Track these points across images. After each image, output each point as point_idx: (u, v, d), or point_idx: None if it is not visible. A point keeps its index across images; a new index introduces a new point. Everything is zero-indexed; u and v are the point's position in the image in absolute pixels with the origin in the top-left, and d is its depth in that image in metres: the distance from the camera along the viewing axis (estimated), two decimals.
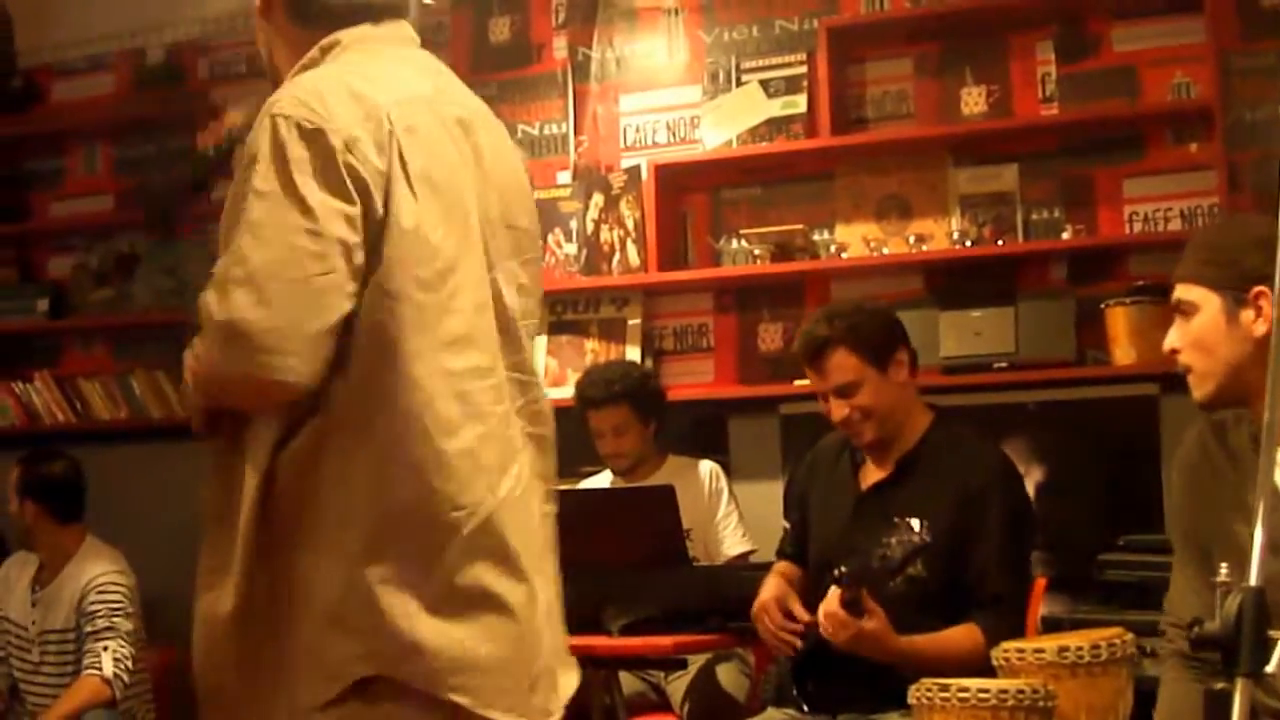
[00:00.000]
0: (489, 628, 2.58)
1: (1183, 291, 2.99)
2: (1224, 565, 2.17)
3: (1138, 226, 5.79)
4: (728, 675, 5.11)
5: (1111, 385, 5.64)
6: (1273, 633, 2.03)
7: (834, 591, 3.82)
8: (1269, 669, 2.02)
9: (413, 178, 2.58)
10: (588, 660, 4.06)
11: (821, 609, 3.87)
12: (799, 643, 4.09)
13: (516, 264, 2.81)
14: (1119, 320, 5.56)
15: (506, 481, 2.64)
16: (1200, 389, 2.99)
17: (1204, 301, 2.96)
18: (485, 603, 2.58)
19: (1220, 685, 2.00)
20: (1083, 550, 5.42)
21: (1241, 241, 2.92)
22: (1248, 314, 2.90)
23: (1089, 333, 5.69)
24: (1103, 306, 5.61)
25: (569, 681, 2.78)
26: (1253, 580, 2.05)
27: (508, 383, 2.70)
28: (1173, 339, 3.00)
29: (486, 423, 2.61)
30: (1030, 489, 5.60)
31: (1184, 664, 3.08)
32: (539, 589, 2.68)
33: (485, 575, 2.58)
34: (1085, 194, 5.87)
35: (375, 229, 2.53)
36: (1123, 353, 5.54)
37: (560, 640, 2.78)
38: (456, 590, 2.56)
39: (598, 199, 6.35)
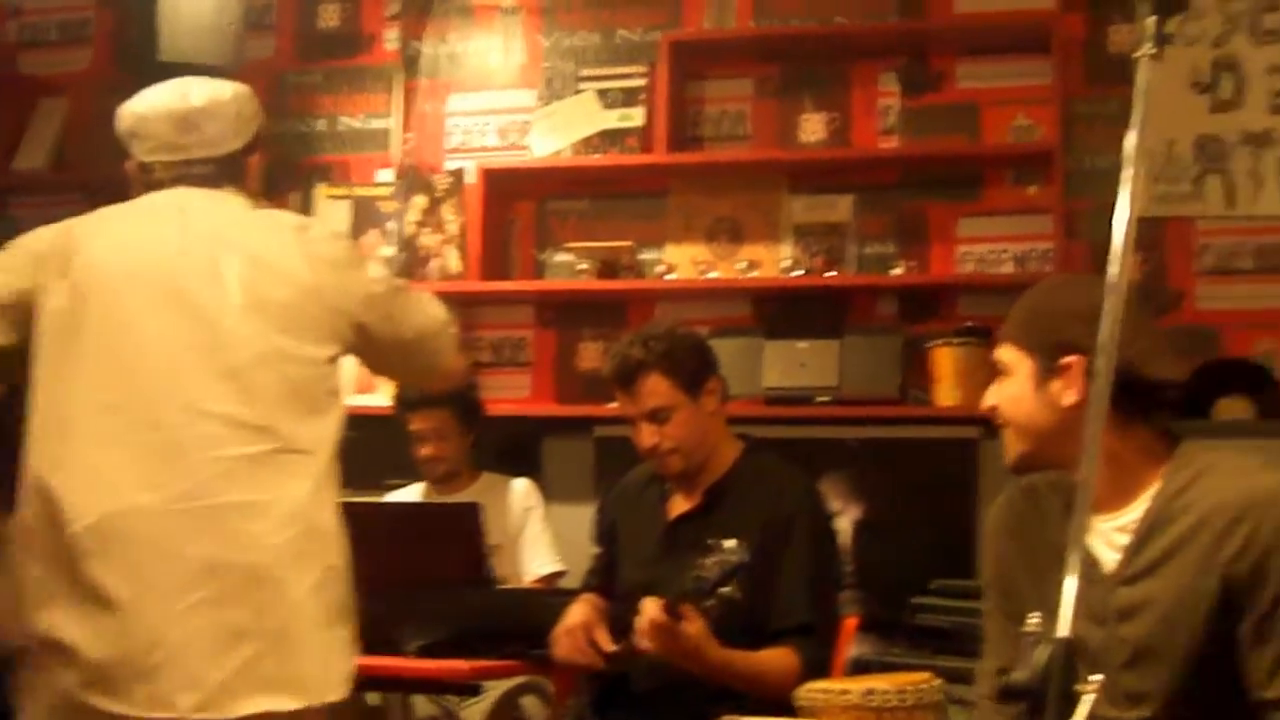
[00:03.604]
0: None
1: (1001, 351, 2.94)
2: (1033, 616, 2.08)
3: (970, 266, 5.76)
4: (527, 705, 4.98)
5: (933, 426, 5.59)
6: (1079, 687, 1.97)
7: (654, 601, 3.69)
8: None
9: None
10: (382, 681, 3.91)
11: (641, 617, 3.73)
12: (601, 660, 3.93)
13: None
14: (944, 361, 5.53)
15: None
16: (1010, 451, 2.95)
17: (1017, 365, 2.89)
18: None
19: None
20: (895, 592, 5.36)
21: (1064, 308, 2.86)
22: (1057, 383, 2.83)
23: (914, 371, 5.65)
24: (928, 346, 5.57)
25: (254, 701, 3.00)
26: (1063, 632, 1.99)
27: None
28: (990, 396, 2.94)
29: None
30: (847, 527, 5.54)
31: None
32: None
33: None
34: (920, 230, 5.84)
35: None
36: (946, 394, 5.50)
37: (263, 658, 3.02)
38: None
39: (419, 200, 6.21)
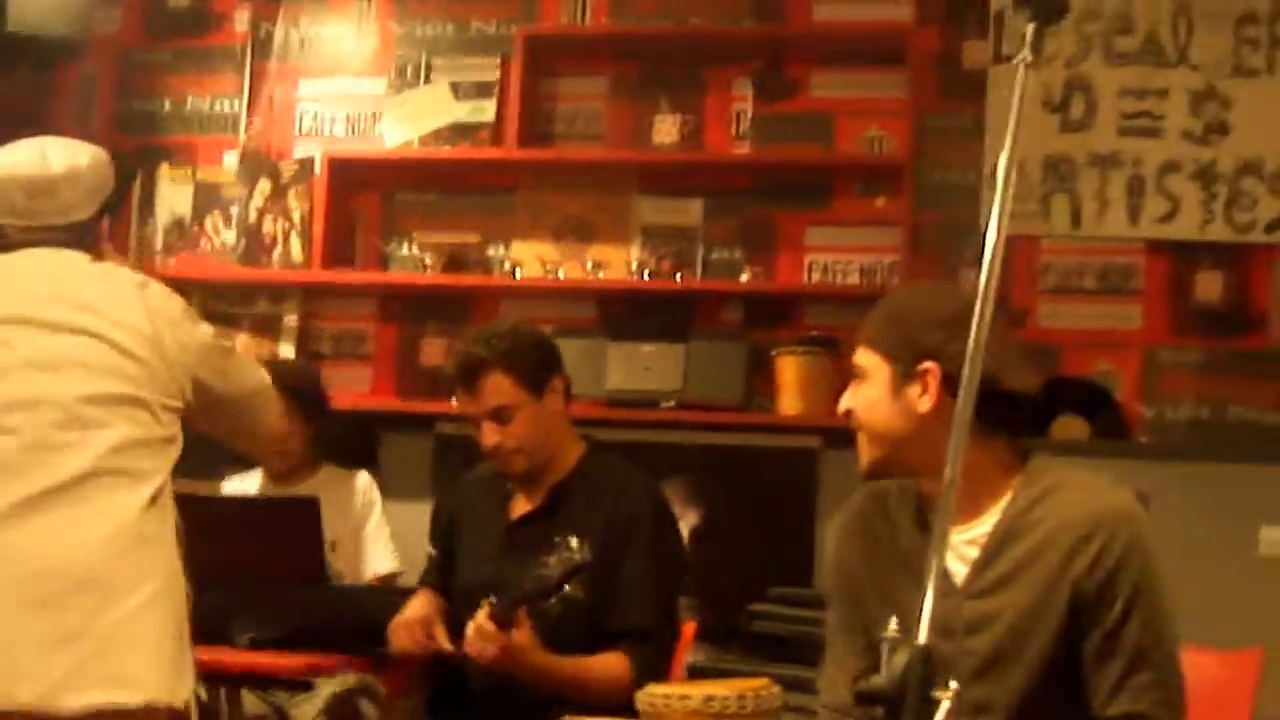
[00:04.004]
0: None
1: (859, 355, 2.93)
2: (893, 621, 2.06)
3: (816, 276, 5.78)
4: (359, 703, 4.89)
5: (775, 434, 5.58)
6: (936, 693, 1.95)
7: (485, 608, 3.67)
8: None
9: None
10: (211, 675, 3.85)
11: (470, 626, 3.71)
12: (441, 649, 3.92)
13: None
14: (788, 369, 5.54)
15: None
16: (863, 456, 2.94)
17: (875, 369, 2.88)
18: None
19: None
20: (732, 599, 5.35)
21: (924, 314, 2.86)
22: (914, 389, 2.82)
23: (758, 379, 5.65)
24: (773, 354, 5.57)
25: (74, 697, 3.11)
26: (921, 639, 1.98)
27: None
28: (846, 400, 2.93)
29: None
30: (685, 532, 5.53)
31: None
32: None
33: None
34: (768, 237, 5.84)
35: None
36: (789, 402, 5.51)
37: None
38: None
39: (264, 186, 6.11)
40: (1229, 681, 3.92)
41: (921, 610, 2.03)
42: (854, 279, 5.73)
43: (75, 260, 3.45)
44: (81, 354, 3.31)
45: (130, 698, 3.16)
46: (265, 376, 3.73)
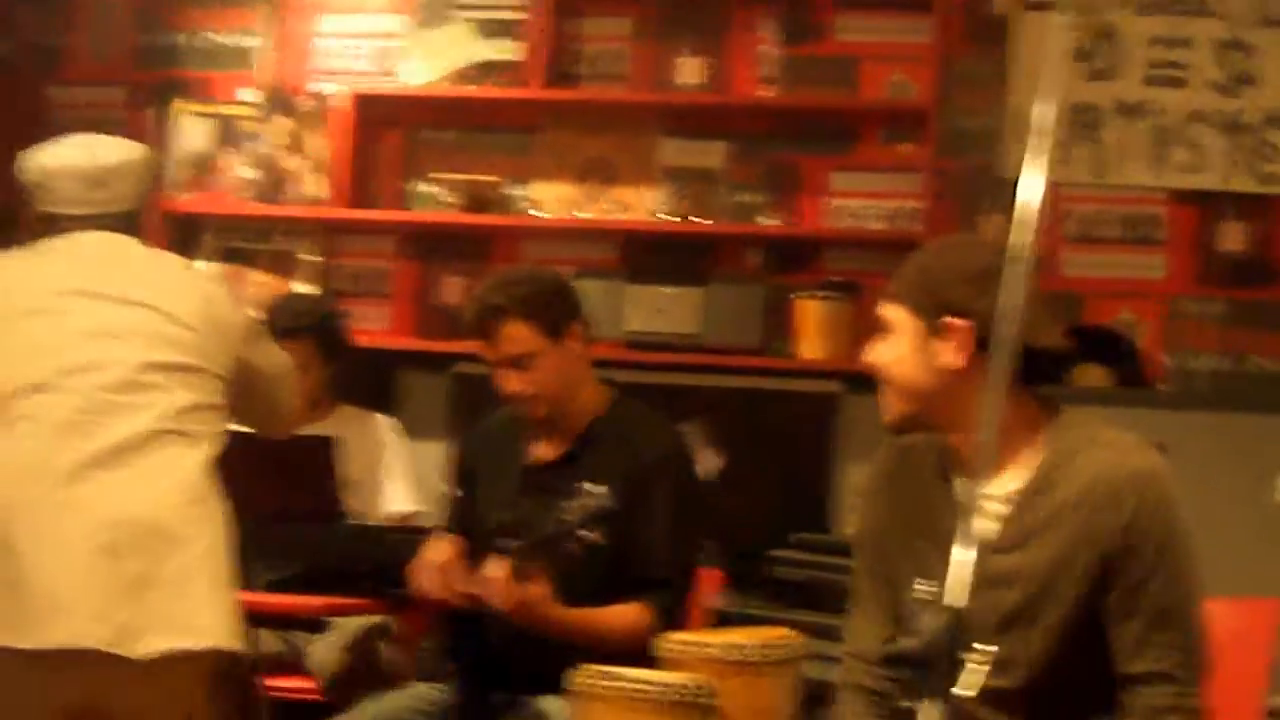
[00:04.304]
0: None
1: (886, 309, 2.91)
2: (922, 582, 2.05)
3: (839, 221, 5.75)
4: (376, 644, 4.91)
5: (794, 378, 5.56)
6: (964, 656, 1.97)
7: (502, 557, 3.68)
8: (958, 690, 1.90)
9: None
10: None
11: (486, 573, 3.71)
12: (458, 598, 3.89)
13: None
14: (808, 314, 5.53)
15: None
16: (888, 411, 2.92)
17: (901, 323, 2.87)
18: None
19: (907, 705, 1.88)
20: (753, 545, 5.34)
21: (952, 269, 2.84)
22: (941, 345, 2.81)
23: (777, 323, 5.61)
24: (793, 298, 5.55)
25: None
26: (952, 601, 1.97)
27: None
28: (870, 354, 2.91)
29: None
30: (707, 480, 5.53)
31: (863, 697, 2.97)
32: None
33: None
34: (790, 181, 5.81)
35: None
36: (808, 347, 5.50)
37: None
38: None
39: (283, 122, 6.05)
40: (1247, 631, 3.92)
41: (950, 569, 2.03)
42: (876, 224, 5.71)
43: (128, 243, 3.65)
44: (140, 324, 3.50)
45: (197, 643, 3.33)
46: (290, 359, 3.99)
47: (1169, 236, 5.64)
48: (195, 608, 3.35)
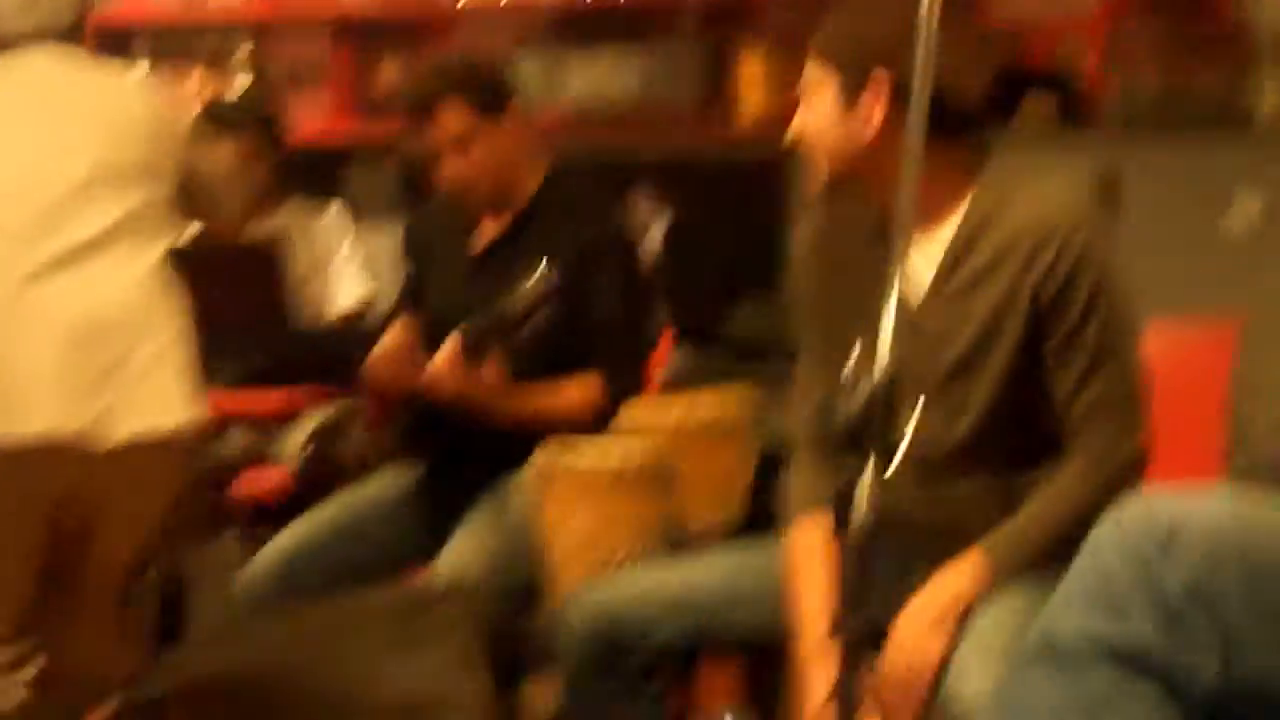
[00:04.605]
0: None
1: (808, 69, 2.87)
2: (852, 359, 2.06)
3: None
4: (344, 431, 4.94)
5: (740, 139, 5.51)
6: (902, 416, 1.99)
7: (451, 340, 3.70)
8: (899, 454, 1.93)
9: None
10: None
11: (438, 357, 3.74)
12: (418, 378, 3.90)
13: None
14: (751, 72, 5.44)
15: None
16: (818, 175, 2.91)
17: (824, 82, 2.83)
18: None
19: (848, 469, 1.90)
20: (706, 305, 5.36)
21: (872, 22, 2.80)
22: (866, 100, 2.78)
23: (719, 83, 5.55)
24: (735, 56, 5.48)
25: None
26: (883, 366, 1.99)
27: None
28: (796, 122, 2.88)
29: None
30: (657, 238, 5.53)
31: (811, 455, 3.00)
32: None
33: None
34: None
35: None
36: (752, 106, 5.43)
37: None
38: None
39: None
40: (1207, 349, 3.97)
41: (880, 332, 2.03)
42: None
43: (71, 55, 3.78)
44: (88, 132, 3.67)
45: (170, 423, 3.60)
46: (230, 157, 4.36)
47: None
48: (165, 392, 3.61)
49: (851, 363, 2.06)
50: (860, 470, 1.97)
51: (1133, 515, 1.67)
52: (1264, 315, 5.01)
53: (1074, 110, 5.52)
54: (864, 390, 1.98)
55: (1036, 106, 5.52)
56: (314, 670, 3.02)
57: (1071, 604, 1.65)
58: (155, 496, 3.65)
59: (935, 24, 2.05)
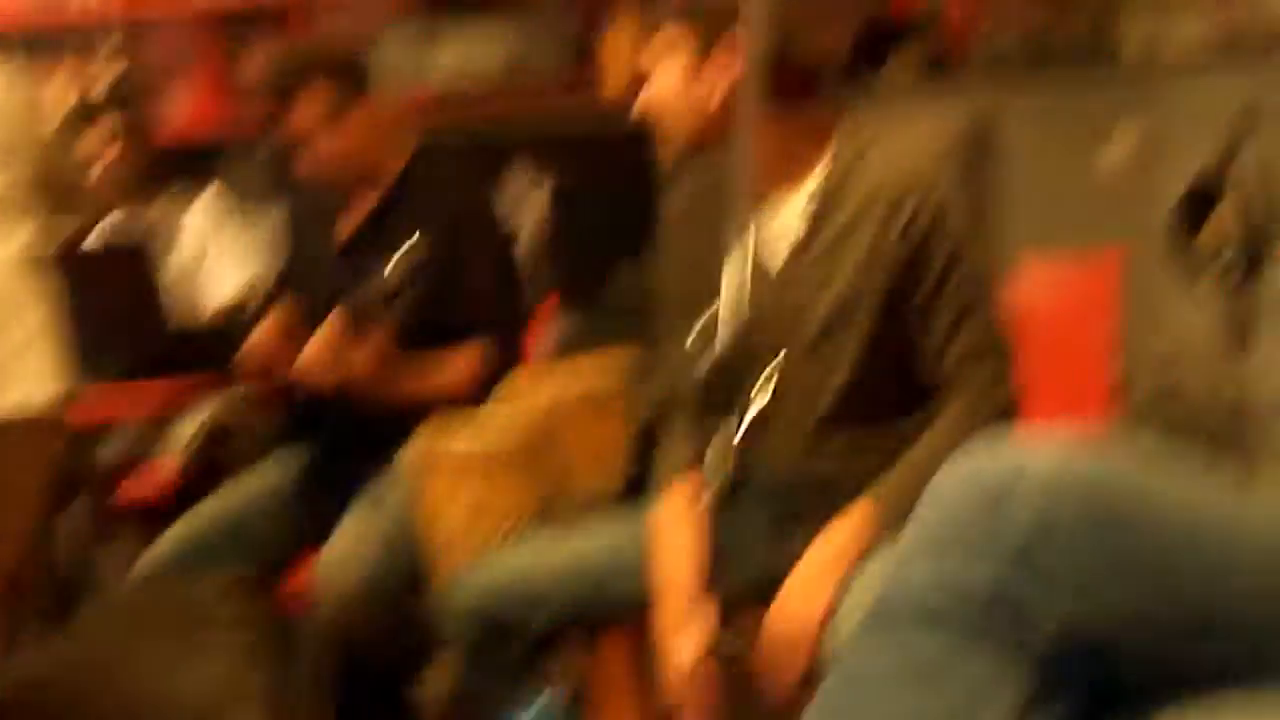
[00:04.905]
0: None
1: (659, 34, 2.87)
2: (700, 323, 2.07)
3: None
4: (228, 426, 4.92)
5: (611, 110, 5.50)
6: (761, 370, 1.93)
7: (330, 321, 3.72)
8: (759, 407, 1.93)
9: None
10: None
11: (313, 342, 3.77)
12: (298, 365, 3.91)
13: None
14: (619, 43, 5.43)
15: None
16: (675, 141, 2.93)
17: (675, 45, 2.86)
18: None
19: (710, 425, 1.90)
20: (590, 272, 5.35)
21: None
22: (716, 62, 2.81)
23: (589, 52, 5.54)
24: (605, 26, 5.46)
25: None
26: (725, 337, 1.94)
27: None
28: (645, 93, 2.88)
29: None
30: (535, 211, 5.53)
31: (683, 419, 3.01)
32: None
33: None
34: None
35: None
36: (620, 75, 5.42)
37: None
38: None
39: None
40: (1091, 285, 4.00)
41: (732, 290, 2.03)
42: None
43: None
44: None
45: (37, 398, 3.67)
46: (93, 151, 4.45)
47: None
48: (37, 371, 3.68)
49: (701, 326, 2.07)
50: (718, 430, 1.97)
51: (975, 460, 1.67)
52: (1145, 248, 5.08)
53: (943, 58, 5.55)
54: (713, 352, 1.98)
55: (905, 57, 5.54)
56: (106, 672, 2.99)
57: (919, 550, 1.64)
58: (29, 473, 3.69)
59: None
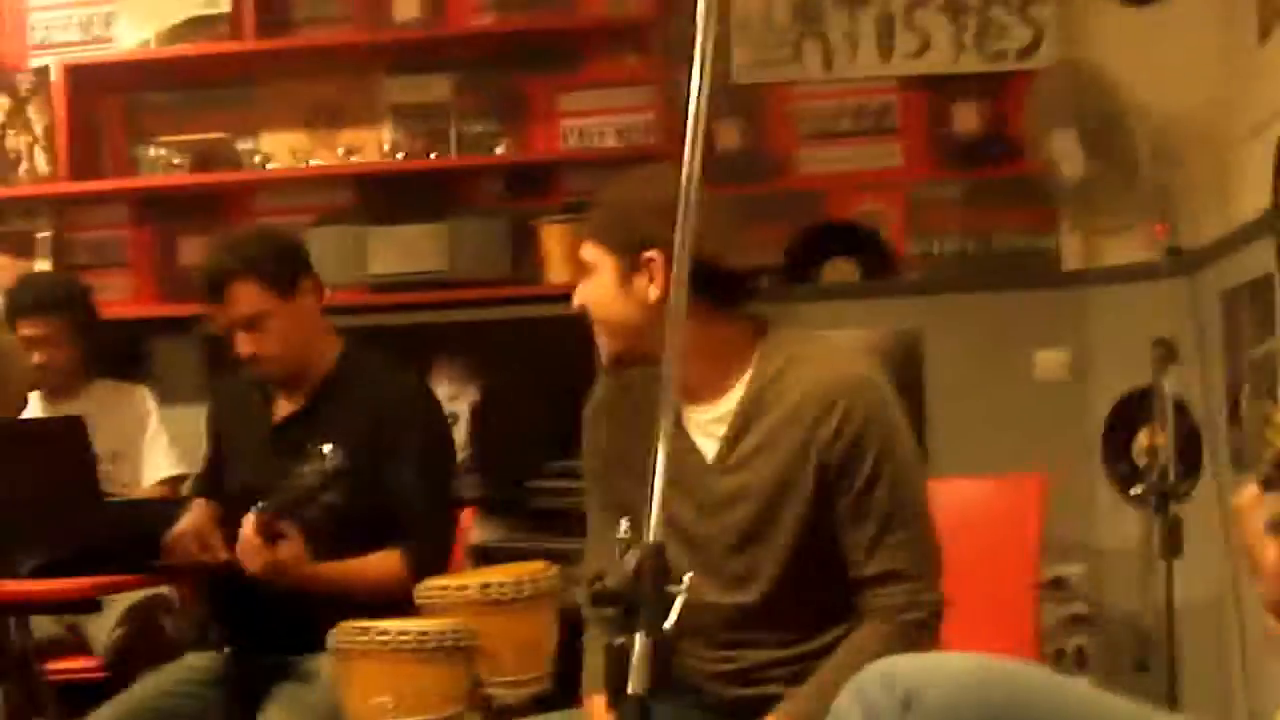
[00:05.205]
0: None
1: (584, 249, 2.91)
2: (624, 522, 2.05)
3: (573, 141, 5.73)
4: (155, 616, 4.86)
5: (545, 304, 5.51)
6: (671, 588, 1.94)
7: (250, 518, 3.64)
8: (668, 625, 1.91)
9: None
10: None
11: (240, 536, 3.68)
12: (217, 558, 3.88)
13: None
14: (553, 238, 5.53)
15: None
16: (604, 349, 2.94)
17: (600, 262, 2.87)
18: None
19: (621, 641, 1.88)
20: (513, 474, 5.34)
21: (641, 202, 2.84)
22: (641, 279, 2.82)
23: (524, 250, 5.60)
24: (537, 224, 5.53)
25: None
26: (651, 537, 1.97)
27: None
28: (577, 296, 2.90)
29: None
30: (464, 410, 5.50)
31: (605, 627, 2.98)
32: None
33: None
34: (520, 107, 5.79)
35: None
36: (557, 271, 5.46)
37: None
38: None
39: (3, 102, 5.93)
40: (1015, 506, 4.01)
41: (653, 505, 2.01)
42: (611, 141, 5.69)
43: None
44: None
45: None
46: (15, 341, 4.25)
47: (902, 124, 5.68)
48: None
49: (622, 533, 2.05)
50: (632, 640, 1.94)
51: (873, 682, 1.66)
52: (1070, 469, 5.10)
53: (877, 267, 5.60)
54: (631, 561, 1.96)
55: (840, 265, 5.59)
56: None
57: None
58: None
59: (695, 199, 2.03)
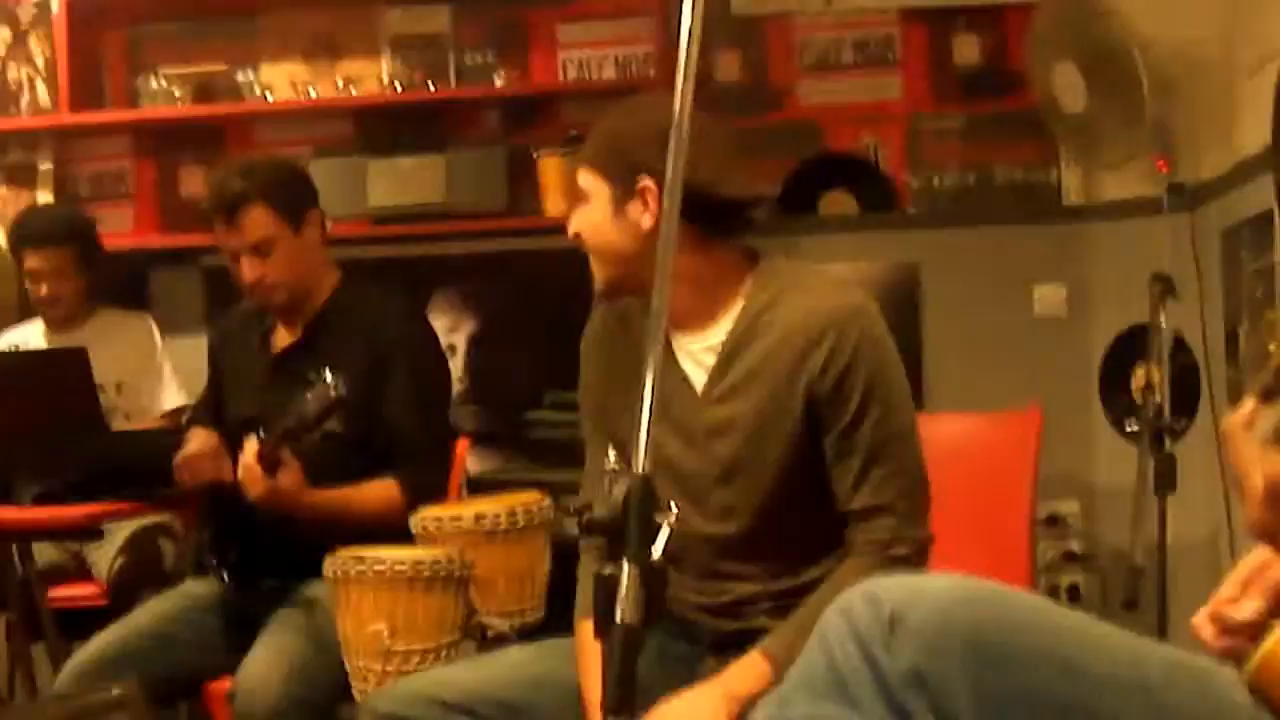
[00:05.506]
0: None
1: (580, 176, 2.91)
2: (611, 452, 2.06)
3: (571, 73, 5.72)
4: (156, 543, 4.89)
5: (543, 236, 5.52)
6: (658, 517, 1.95)
7: (251, 445, 3.66)
8: (655, 554, 1.92)
9: None
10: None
11: (239, 464, 3.70)
12: (225, 480, 3.89)
13: None
14: (551, 170, 5.50)
15: None
16: (597, 277, 2.93)
17: (595, 190, 2.87)
18: None
19: (609, 570, 1.89)
20: (511, 406, 5.35)
21: (636, 130, 2.83)
22: (635, 207, 2.82)
23: (522, 183, 5.58)
24: (535, 156, 5.52)
25: None
26: (639, 468, 1.96)
27: None
28: (572, 224, 2.90)
29: None
30: (462, 342, 5.52)
31: (595, 549, 3.01)
32: None
33: None
34: (520, 38, 5.76)
35: None
36: (555, 203, 5.46)
37: None
38: None
39: (4, 34, 5.91)
40: (1011, 442, 4.02)
41: (641, 435, 2.02)
42: (609, 73, 5.67)
43: None
44: None
45: None
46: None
47: (903, 56, 5.67)
48: None
49: (610, 463, 2.06)
50: (615, 576, 1.95)
51: (858, 602, 1.67)
52: (1067, 405, 5.12)
53: (876, 201, 5.59)
54: (620, 490, 1.96)
55: (838, 198, 5.58)
56: None
57: (799, 692, 1.65)
58: None
59: (688, 127, 2.02)
